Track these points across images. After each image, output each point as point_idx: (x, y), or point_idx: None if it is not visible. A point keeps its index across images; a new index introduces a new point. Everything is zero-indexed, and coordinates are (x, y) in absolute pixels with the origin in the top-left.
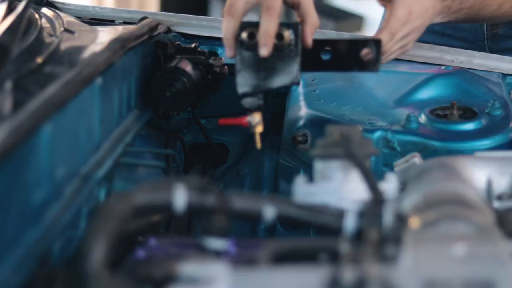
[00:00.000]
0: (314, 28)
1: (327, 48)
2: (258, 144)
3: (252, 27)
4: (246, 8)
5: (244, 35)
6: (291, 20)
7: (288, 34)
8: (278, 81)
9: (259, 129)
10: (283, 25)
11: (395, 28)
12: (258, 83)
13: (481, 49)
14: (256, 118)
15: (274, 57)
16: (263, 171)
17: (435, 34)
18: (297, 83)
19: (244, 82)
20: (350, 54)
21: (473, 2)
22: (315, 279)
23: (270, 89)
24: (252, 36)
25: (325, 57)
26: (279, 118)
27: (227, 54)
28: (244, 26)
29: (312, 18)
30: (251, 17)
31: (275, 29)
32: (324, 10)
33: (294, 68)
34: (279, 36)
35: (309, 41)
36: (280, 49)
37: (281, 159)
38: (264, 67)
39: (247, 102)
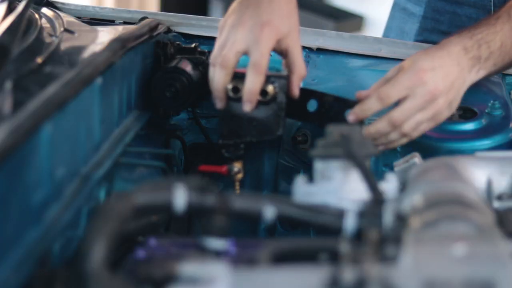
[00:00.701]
0: (301, 79)
1: (313, 99)
2: (238, 191)
3: (237, 80)
4: (237, 58)
5: (229, 87)
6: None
7: (271, 89)
8: (261, 134)
9: (239, 177)
10: (269, 78)
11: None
12: (240, 134)
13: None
14: (236, 167)
15: (258, 109)
16: (263, 171)
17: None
18: (279, 137)
19: (226, 133)
20: (336, 110)
21: (501, 39)
22: (315, 279)
23: (251, 141)
24: (236, 90)
25: (311, 108)
26: None
27: (217, 105)
28: (234, 77)
29: (299, 68)
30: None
31: (259, 87)
32: (324, 10)
33: (277, 122)
34: (263, 92)
35: (295, 92)
36: (264, 103)
37: (281, 159)
38: (247, 119)
39: (228, 151)
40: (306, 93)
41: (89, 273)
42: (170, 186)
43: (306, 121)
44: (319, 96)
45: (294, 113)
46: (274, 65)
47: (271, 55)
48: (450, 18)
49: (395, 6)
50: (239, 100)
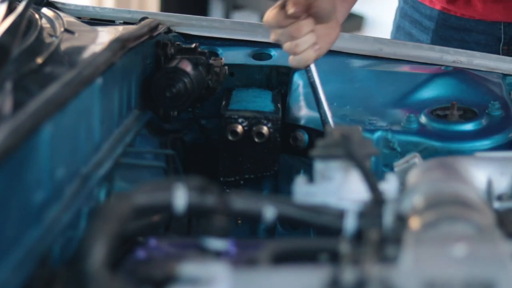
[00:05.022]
0: None
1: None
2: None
3: (235, 124)
4: None
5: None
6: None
7: (266, 131)
8: (259, 170)
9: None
10: (263, 120)
11: None
12: (240, 172)
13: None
14: None
15: (255, 149)
16: None
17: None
18: (276, 172)
19: (227, 171)
20: None
21: None
22: (315, 279)
23: (250, 178)
24: (235, 133)
25: (301, 144)
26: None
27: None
28: (231, 121)
29: None
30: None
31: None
32: None
33: (272, 159)
34: (259, 134)
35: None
36: (260, 143)
37: (281, 159)
38: (246, 157)
39: (229, 188)
40: (293, 127)
41: (89, 273)
42: (170, 187)
43: (297, 155)
44: (306, 130)
45: (287, 149)
46: (265, 102)
47: None
48: (459, 45)
49: (399, 30)
50: (238, 142)
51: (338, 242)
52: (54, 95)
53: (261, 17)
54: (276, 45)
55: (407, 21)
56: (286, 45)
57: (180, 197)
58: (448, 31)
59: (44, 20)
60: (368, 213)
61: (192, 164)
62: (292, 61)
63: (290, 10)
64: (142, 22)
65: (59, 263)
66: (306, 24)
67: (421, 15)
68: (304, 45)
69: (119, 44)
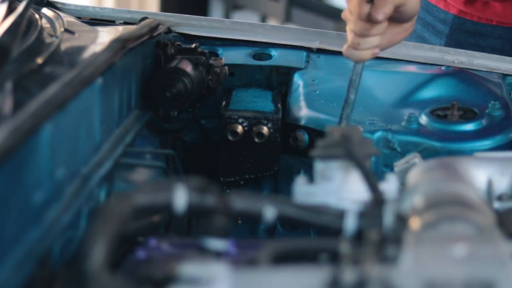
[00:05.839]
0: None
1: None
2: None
3: (236, 124)
4: None
5: (228, 131)
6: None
7: (266, 131)
8: (259, 170)
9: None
10: (263, 120)
11: None
12: (240, 172)
13: None
14: None
15: (255, 149)
16: None
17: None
18: (276, 172)
19: (227, 171)
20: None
21: None
22: (315, 279)
23: (250, 178)
24: (235, 134)
25: (301, 144)
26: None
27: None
28: (231, 121)
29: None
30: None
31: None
32: (324, 10)
33: (272, 159)
34: (259, 134)
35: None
36: (260, 144)
37: (281, 159)
38: (246, 157)
39: (229, 188)
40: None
41: (89, 273)
42: (170, 187)
43: (297, 155)
44: (307, 130)
45: (287, 149)
46: (265, 102)
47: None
48: (473, 50)
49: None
50: (238, 142)
51: (338, 242)
52: (54, 95)
53: (261, 17)
54: (276, 45)
55: (419, 24)
56: (349, 36)
57: (180, 197)
58: (462, 34)
59: (44, 20)
60: (368, 213)
61: (192, 164)
62: (346, 50)
63: (376, 16)
64: (142, 22)
65: (59, 263)
66: (379, 28)
67: (435, 18)
68: (365, 45)
69: (119, 44)
